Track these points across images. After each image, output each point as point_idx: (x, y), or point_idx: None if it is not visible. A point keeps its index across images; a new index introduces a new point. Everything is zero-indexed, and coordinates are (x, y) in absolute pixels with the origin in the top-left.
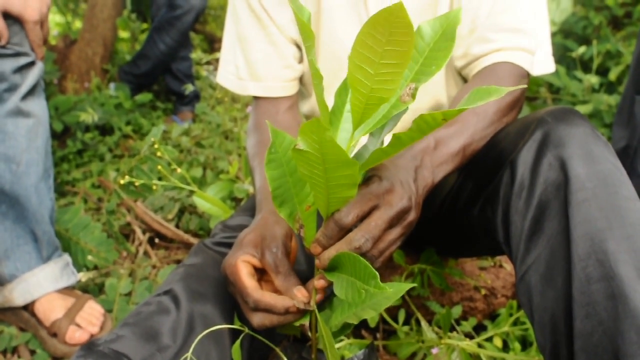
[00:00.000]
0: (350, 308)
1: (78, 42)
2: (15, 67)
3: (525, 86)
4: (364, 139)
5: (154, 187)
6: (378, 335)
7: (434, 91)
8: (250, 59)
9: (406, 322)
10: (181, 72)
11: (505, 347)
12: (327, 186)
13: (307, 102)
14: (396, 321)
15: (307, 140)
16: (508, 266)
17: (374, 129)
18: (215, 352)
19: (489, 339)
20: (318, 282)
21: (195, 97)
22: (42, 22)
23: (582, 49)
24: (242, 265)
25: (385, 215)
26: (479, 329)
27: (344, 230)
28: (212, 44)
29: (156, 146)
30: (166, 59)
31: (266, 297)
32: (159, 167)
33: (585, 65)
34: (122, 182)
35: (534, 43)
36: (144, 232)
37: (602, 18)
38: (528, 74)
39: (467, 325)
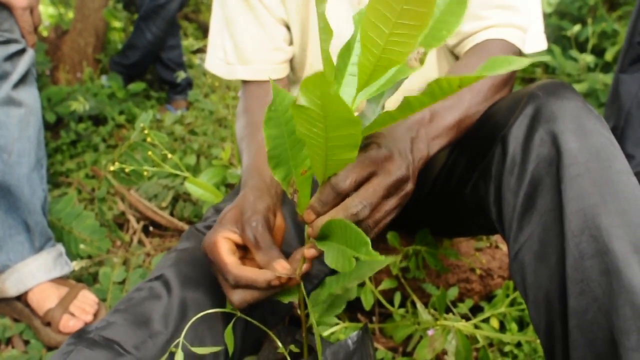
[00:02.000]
0: (338, 282)
1: (70, 32)
2: (5, 54)
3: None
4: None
5: (145, 173)
6: (374, 318)
7: (426, 70)
8: (238, 42)
9: (402, 304)
10: (172, 61)
11: (502, 328)
12: (326, 147)
13: (295, 89)
14: (392, 304)
15: (308, 95)
16: (504, 247)
17: (375, 95)
18: (209, 337)
19: (486, 320)
20: (308, 251)
21: (188, 85)
22: (32, 9)
23: (577, 27)
24: (222, 242)
25: (384, 182)
26: (476, 310)
27: (340, 197)
28: (206, 32)
29: (146, 132)
30: (154, 48)
31: (247, 272)
32: (150, 153)
33: (581, 46)
34: (112, 168)
35: (525, 20)
36: (138, 221)
37: None
38: (520, 52)
39: (464, 307)
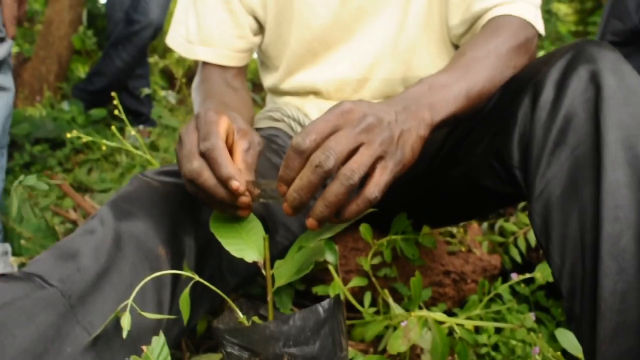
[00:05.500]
0: (308, 238)
1: (32, 59)
2: None
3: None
4: None
5: (104, 148)
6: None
7: (406, 59)
8: (203, 23)
9: (372, 305)
10: (138, 90)
11: (477, 332)
12: None
13: (271, 76)
14: (362, 305)
15: None
16: (477, 251)
17: None
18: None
19: (460, 326)
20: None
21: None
22: (21, 1)
23: None
24: (224, 120)
25: (349, 132)
26: (449, 316)
27: (305, 158)
28: (172, 77)
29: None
30: (122, 75)
31: (226, 153)
32: (113, 127)
33: None
34: (69, 136)
35: None
36: None
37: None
38: (537, 32)
39: (437, 310)
